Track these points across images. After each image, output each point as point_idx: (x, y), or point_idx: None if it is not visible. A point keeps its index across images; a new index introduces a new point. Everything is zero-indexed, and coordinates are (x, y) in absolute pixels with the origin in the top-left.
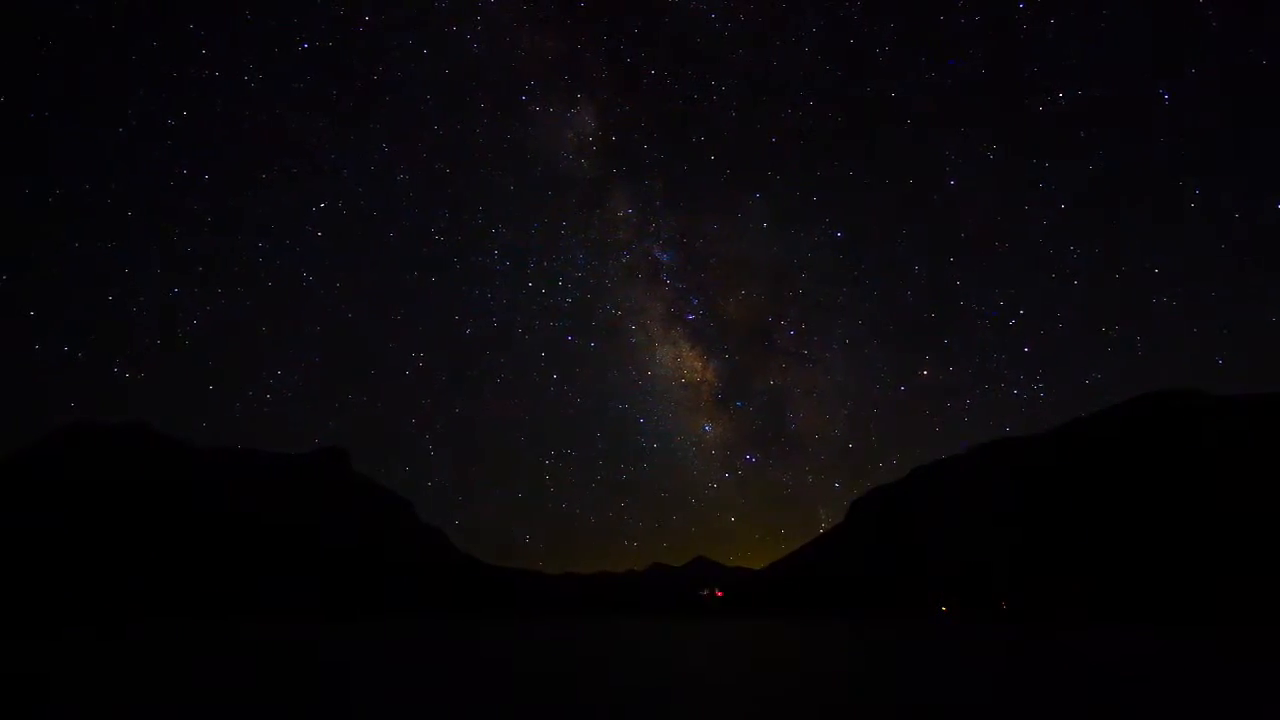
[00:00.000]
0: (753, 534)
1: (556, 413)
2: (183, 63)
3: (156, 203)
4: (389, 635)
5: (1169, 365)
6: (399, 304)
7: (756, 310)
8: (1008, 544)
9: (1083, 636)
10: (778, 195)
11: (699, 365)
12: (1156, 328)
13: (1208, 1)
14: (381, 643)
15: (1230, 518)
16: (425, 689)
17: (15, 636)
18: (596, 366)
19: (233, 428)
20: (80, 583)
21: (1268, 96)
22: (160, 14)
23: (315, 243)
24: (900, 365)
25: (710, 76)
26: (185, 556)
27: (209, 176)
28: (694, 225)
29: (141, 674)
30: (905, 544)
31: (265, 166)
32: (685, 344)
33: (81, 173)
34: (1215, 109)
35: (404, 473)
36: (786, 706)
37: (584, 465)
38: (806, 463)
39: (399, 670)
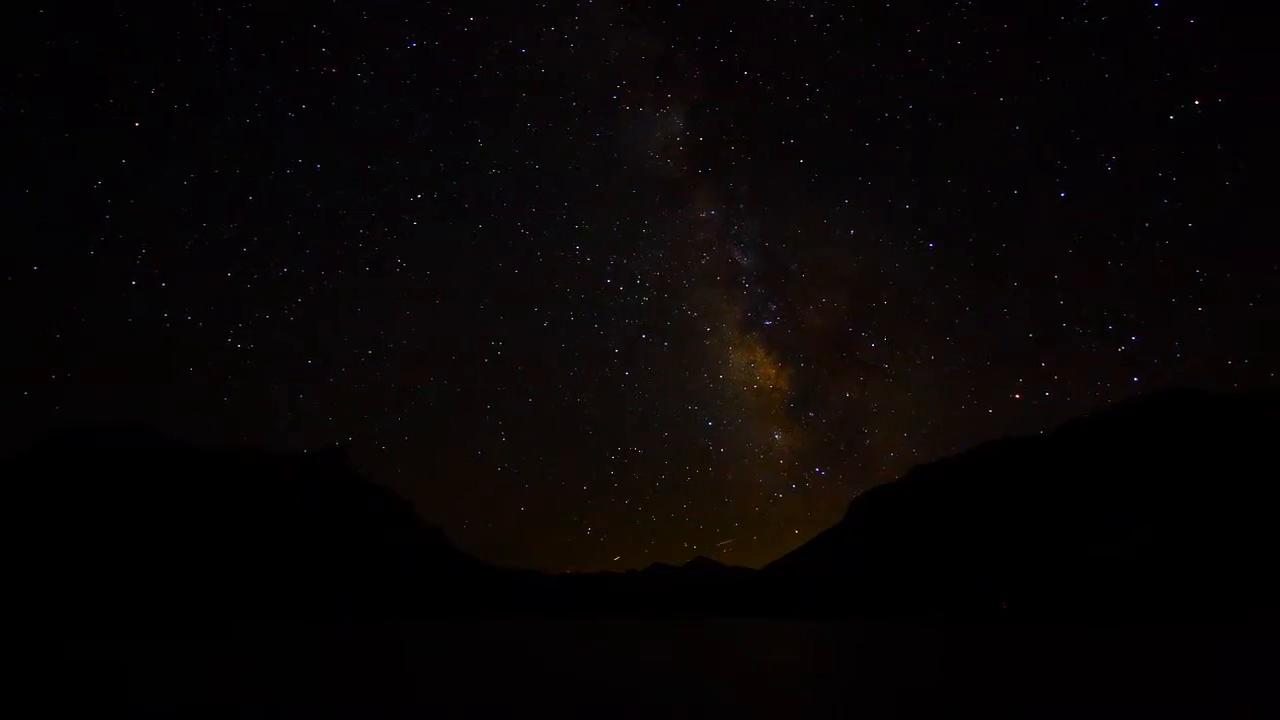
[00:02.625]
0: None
1: (625, 410)
2: (304, 60)
3: (275, 191)
4: (412, 636)
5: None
6: (483, 293)
7: (837, 320)
8: (1008, 544)
9: (1081, 636)
10: (867, 202)
11: (773, 373)
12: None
13: None
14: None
15: (1230, 518)
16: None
17: (17, 636)
18: (669, 367)
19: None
20: (81, 583)
21: None
22: (289, 14)
23: (410, 231)
24: (991, 386)
25: (805, 78)
26: (186, 557)
27: (320, 167)
28: (777, 229)
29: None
30: (905, 544)
31: (372, 158)
32: (760, 350)
33: (213, 162)
34: None
35: (475, 456)
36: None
37: (649, 464)
38: (881, 482)
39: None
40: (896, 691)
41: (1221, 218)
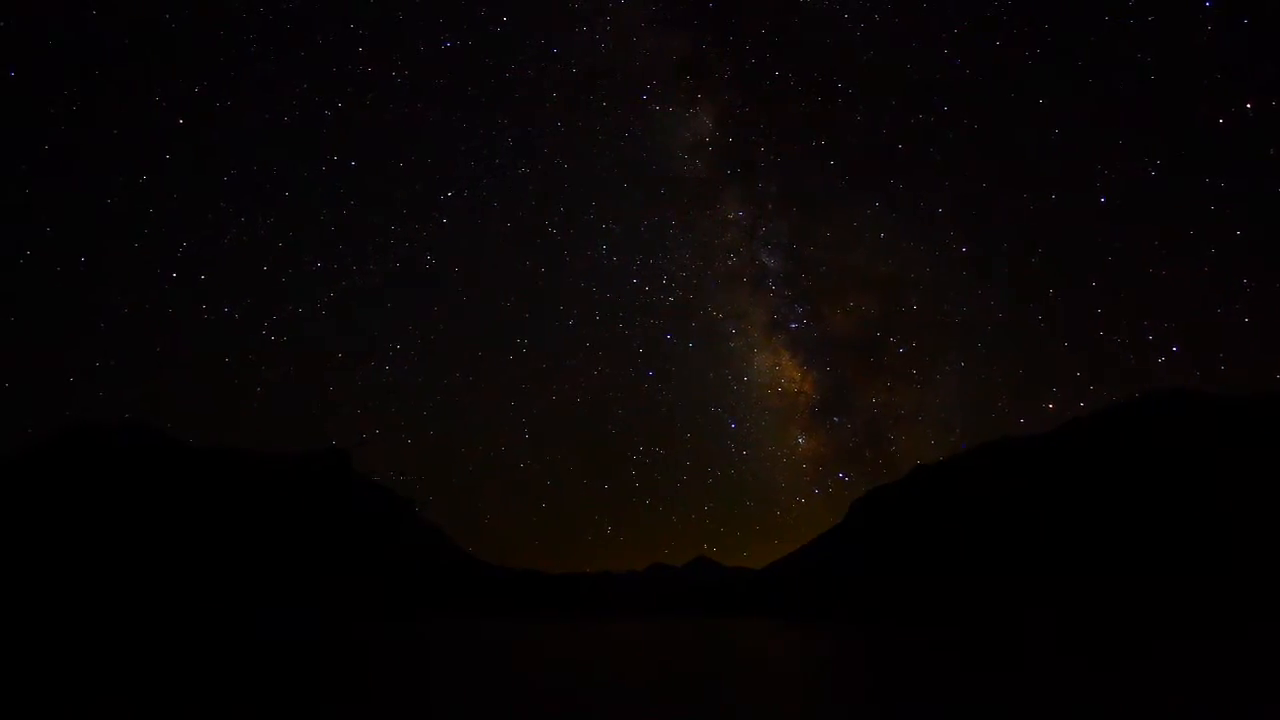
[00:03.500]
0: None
1: (649, 410)
2: (341, 60)
3: (310, 188)
4: (411, 637)
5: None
6: (510, 291)
7: (865, 324)
8: (1008, 545)
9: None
10: (899, 204)
11: (797, 376)
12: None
13: None
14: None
15: (1230, 518)
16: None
17: (20, 637)
18: (693, 368)
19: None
20: (82, 583)
21: None
22: (327, 14)
23: (440, 228)
24: (1022, 395)
25: (837, 79)
26: (186, 557)
27: (355, 163)
28: (806, 231)
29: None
30: (906, 544)
31: (404, 155)
32: (785, 352)
33: (252, 158)
34: None
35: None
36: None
37: (671, 465)
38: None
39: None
40: (896, 691)
41: (1274, 226)
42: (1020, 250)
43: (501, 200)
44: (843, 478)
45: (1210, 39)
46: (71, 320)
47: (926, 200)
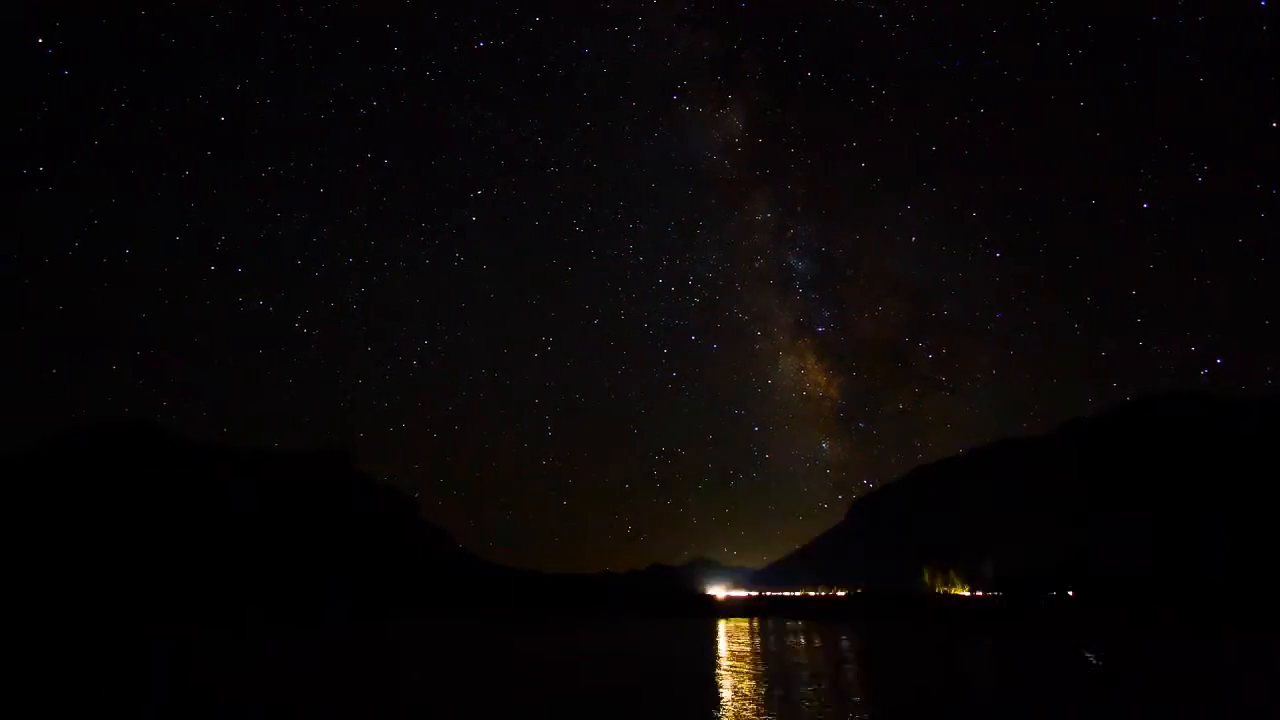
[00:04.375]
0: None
1: (671, 410)
2: (377, 59)
3: (344, 184)
4: (414, 637)
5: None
6: (536, 289)
7: (893, 329)
8: (1008, 544)
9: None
10: (931, 208)
11: (823, 380)
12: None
13: None
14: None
15: (1230, 518)
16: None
17: (17, 635)
18: (717, 369)
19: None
20: (82, 583)
21: None
22: (365, 13)
23: (469, 226)
24: (1054, 403)
25: (871, 79)
26: (188, 557)
27: (388, 161)
28: (835, 234)
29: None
30: (906, 544)
31: (435, 154)
32: (811, 356)
33: (290, 155)
34: None
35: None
36: None
37: (693, 466)
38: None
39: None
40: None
41: None
42: (1057, 256)
43: (530, 199)
44: (867, 484)
45: (1264, 39)
46: (105, 315)
47: (960, 203)
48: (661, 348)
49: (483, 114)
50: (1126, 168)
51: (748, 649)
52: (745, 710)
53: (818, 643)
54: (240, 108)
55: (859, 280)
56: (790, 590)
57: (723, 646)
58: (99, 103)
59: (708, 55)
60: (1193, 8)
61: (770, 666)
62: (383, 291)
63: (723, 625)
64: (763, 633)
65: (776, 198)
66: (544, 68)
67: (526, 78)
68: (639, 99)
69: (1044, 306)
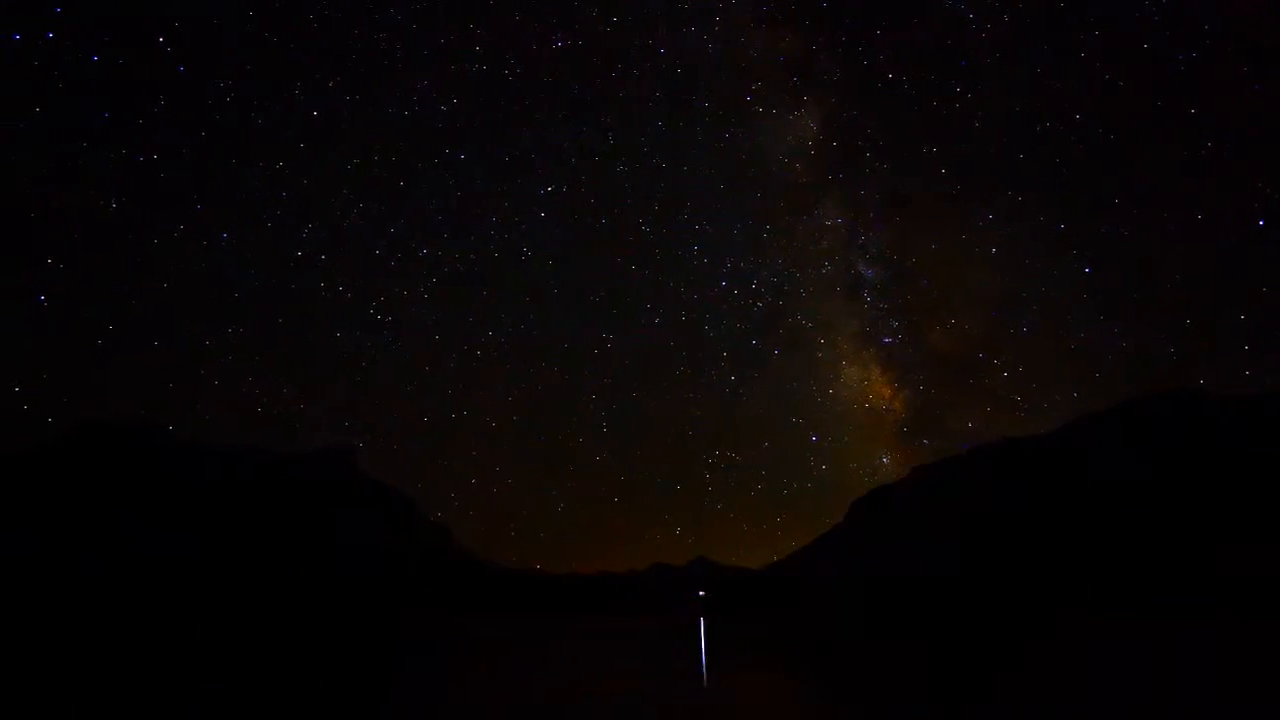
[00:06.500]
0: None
1: (729, 415)
2: (460, 58)
3: (422, 178)
4: (412, 637)
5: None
6: (599, 286)
7: (966, 343)
8: (1008, 545)
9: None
10: (1016, 218)
11: (887, 393)
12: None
13: None
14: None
15: (1230, 518)
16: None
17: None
18: (777, 376)
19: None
20: (84, 582)
21: None
22: (451, 14)
23: (538, 222)
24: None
25: (957, 82)
26: (188, 556)
27: (464, 157)
28: (908, 243)
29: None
30: (906, 544)
31: (509, 151)
32: (876, 367)
33: (373, 149)
34: None
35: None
36: None
37: (746, 472)
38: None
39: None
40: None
41: None
42: (1156, 275)
43: (598, 197)
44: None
45: None
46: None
47: (1048, 214)
48: (721, 350)
49: (556, 113)
50: (1239, 181)
51: (745, 650)
52: None
53: (816, 642)
54: (332, 103)
55: (932, 291)
56: (789, 590)
57: (719, 648)
58: (206, 96)
59: (784, 55)
60: None
61: (764, 668)
62: (452, 282)
63: (720, 625)
64: (761, 633)
65: (848, 203)
66: (619, 67)
67: (601, 77)
68: (712, 99)
69: (1138, 327)
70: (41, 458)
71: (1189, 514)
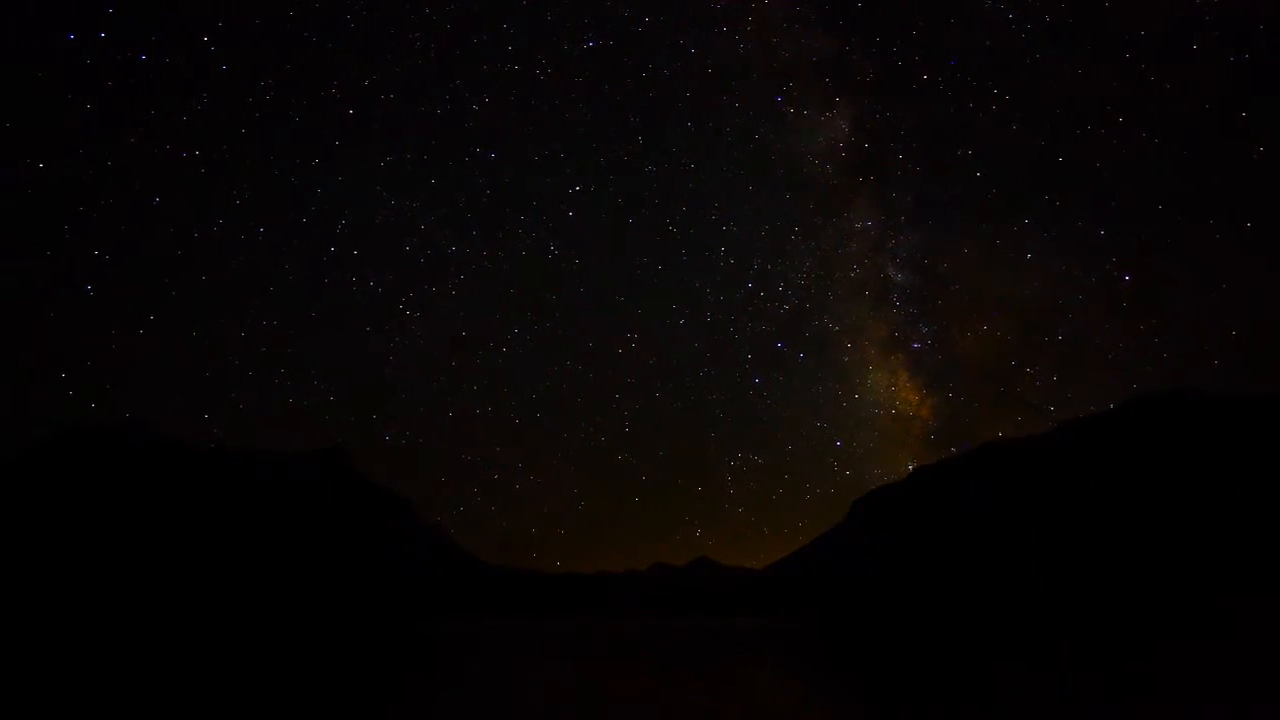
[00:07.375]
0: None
1: (752, 417)
2: (492, 57)
3: (453, 176)
4: (416, 637)
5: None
6: (625, 287)
7: (998, 350)
8: (1008, 545)
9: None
10: (1052, 223)
11: (915, 399)
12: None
13: None
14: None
15: (1231, 519)
16: None
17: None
18: (802, 379)
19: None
20: (83, 583)
21: None
22: (484, 14)
23: (566, 221)
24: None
25: (994, 84)
26: (187, 557)
27: (494, 155)
28: (940, 246)
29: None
30: (906, 544)
31: (539, 150)
32: (904, 373)
33: (406, 147)
34: None
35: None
36: None
37: (769, 476)
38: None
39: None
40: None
41: None
42: (1200, 285)
43: (626, 197)
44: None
45: None
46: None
47: (1086, 220)
48: (746, 353)
49: (586, 113)
50: None
51: (745, 650)
52: None
53: (816, 642)
54: (366, 102)
55: (963, 296)
56: (789, 590)
57: (719, 647)
58: (246, 94)
59: (817, 56)
60: None
61: (764, 668)
62: (480, 279)
63: (719, 626)
64: (761, 633)
65: (879, 205)
66: (650, 67)
67: (632, 77)
68: (742, 100)
69: (1177, 340)
70: (42, 458)
71: (1189, 514)
